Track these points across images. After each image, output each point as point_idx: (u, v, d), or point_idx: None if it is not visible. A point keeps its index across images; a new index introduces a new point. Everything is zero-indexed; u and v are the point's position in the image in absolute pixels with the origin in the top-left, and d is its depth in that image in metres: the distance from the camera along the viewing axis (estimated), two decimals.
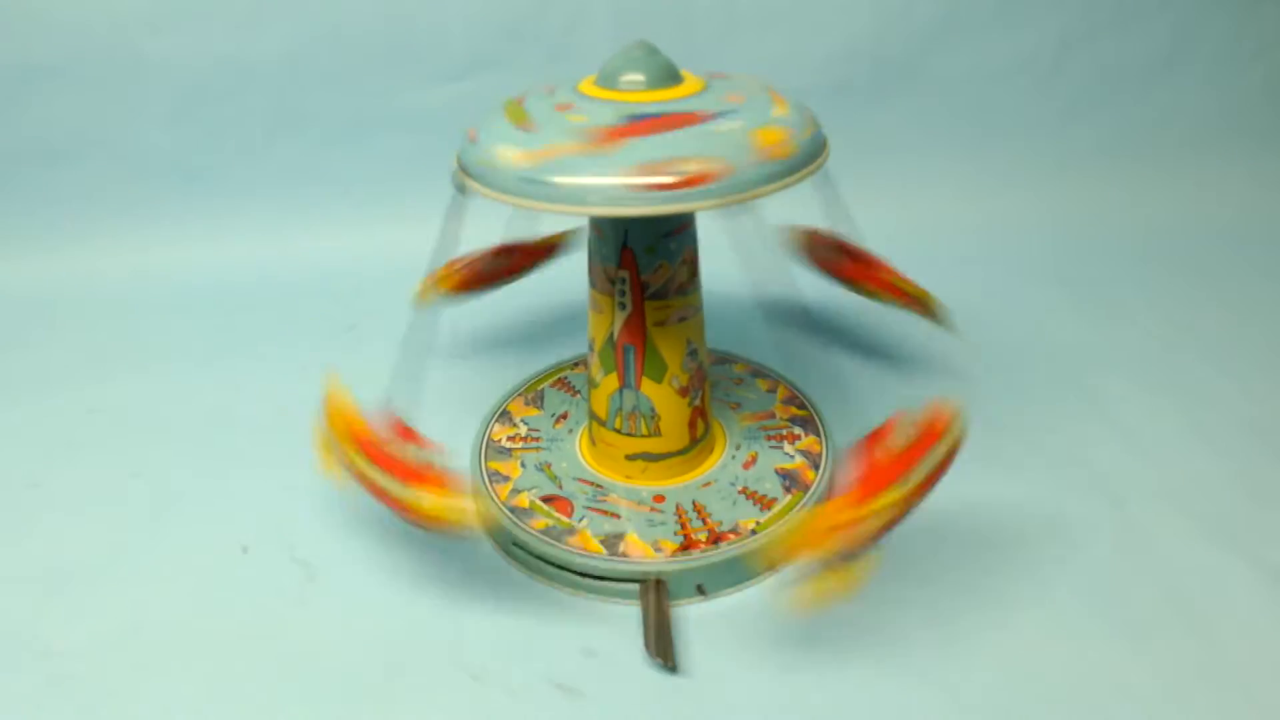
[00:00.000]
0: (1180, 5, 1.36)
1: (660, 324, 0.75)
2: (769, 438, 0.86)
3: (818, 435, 0.86)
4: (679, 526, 0.75)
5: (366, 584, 0.76)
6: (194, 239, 1.33)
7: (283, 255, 1.31)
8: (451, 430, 0.92)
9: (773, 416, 0.89)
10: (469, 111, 0.70)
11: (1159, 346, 1.07)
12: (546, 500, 0.78)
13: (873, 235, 1.30)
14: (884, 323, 1.13)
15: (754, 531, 0.75)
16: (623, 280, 0.74)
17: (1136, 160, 1.41)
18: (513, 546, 0.76)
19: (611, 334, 0.76)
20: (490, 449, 0.86)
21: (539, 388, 0.96)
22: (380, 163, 1.34)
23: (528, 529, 0.75)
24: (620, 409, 0.79)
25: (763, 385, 0.95)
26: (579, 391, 0.95)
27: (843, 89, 1.35)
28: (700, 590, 0.72)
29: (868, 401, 0.98)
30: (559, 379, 0.97)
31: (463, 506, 0.62)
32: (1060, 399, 0.98)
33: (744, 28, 1.31)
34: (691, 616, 0.71)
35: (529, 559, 0.75)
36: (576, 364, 1.00)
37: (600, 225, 0.73)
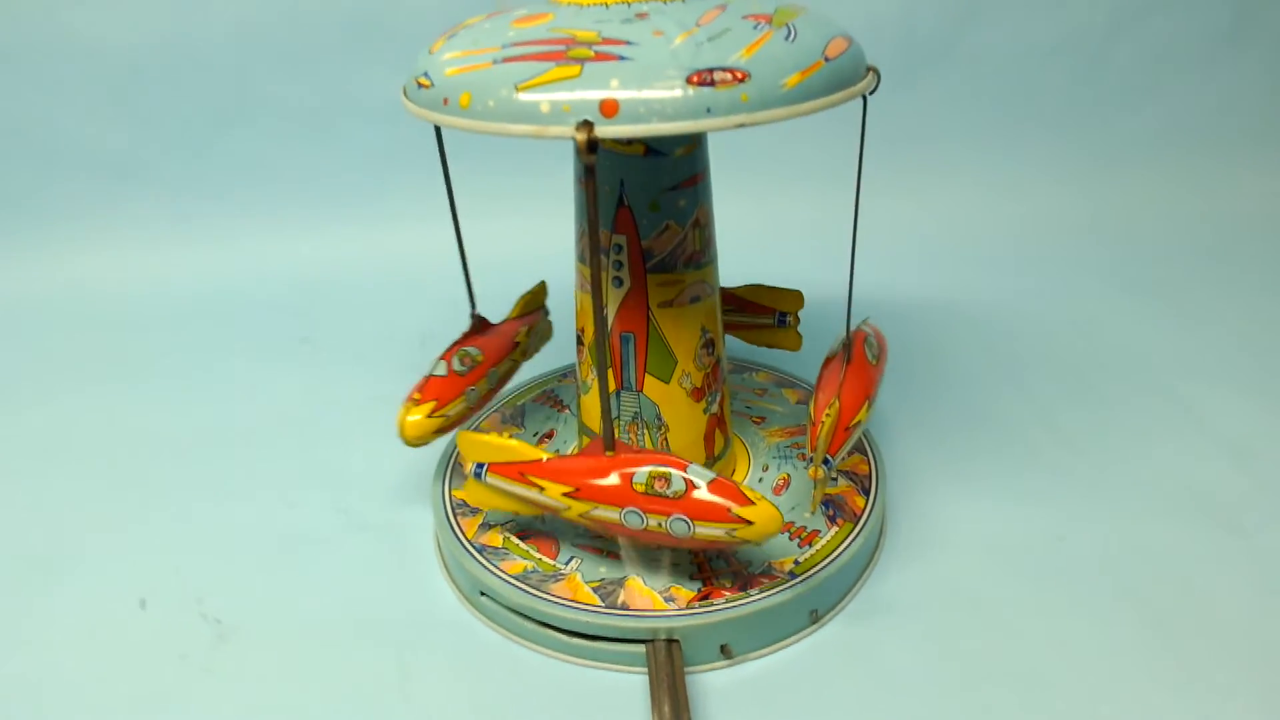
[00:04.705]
0: None
1: (666, 305, 0.61)
2: (803, 456, 0.70)
3: (864, 454, 0.71)
4: (696, 569, 0.61)
5: (291, 647, 0.62)
6: (128, 245, 1.20)
7: (230, 262, 1.19)
8: (413, 453, 0.79)
9: (806, 432, 0.73)
10: None
11: (1250, 349, 0.94)
12: (524, 536, 0.65)
13: (895, 232, 1.20)
14: (933, 328, 1.00)
15: (793, 574, 0.59)
16: (619, 248, 0.59)
17: (1194, 151, 1.29)
18: (480, 596, 0.63)
19: (605, 320, 0.60)
20: (457, 474, 0.72)
21: (519, 403, 0.80)
22: (343, 158, 1.22)
23: (500, 573, 0.62)
24: (618, 418, 0.64)
25: (791, 396, 0.80)
26: (567, 406, 0.79)
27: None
28: (725, 652, 0.59)
29: (919, 414, 0.84)
30: (543, 393, 0.82)
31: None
32: (1147, 412, 0.85)
33: None
34: (714, 686, 0.58)
35: (501, 612, 0.62)
36: (564, 375, 0.84)
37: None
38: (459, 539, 0.64)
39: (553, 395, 0.81)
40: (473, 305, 0.72)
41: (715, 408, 0.65)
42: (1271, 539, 0.67)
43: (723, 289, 0.74)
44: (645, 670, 0.58)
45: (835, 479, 0.68)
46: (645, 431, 0.63)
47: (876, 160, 1.20)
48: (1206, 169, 1.28)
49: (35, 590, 0.68)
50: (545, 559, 0.62)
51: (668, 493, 0.54)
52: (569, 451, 0.72)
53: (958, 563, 0.67)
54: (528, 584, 0.60)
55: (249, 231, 1.21)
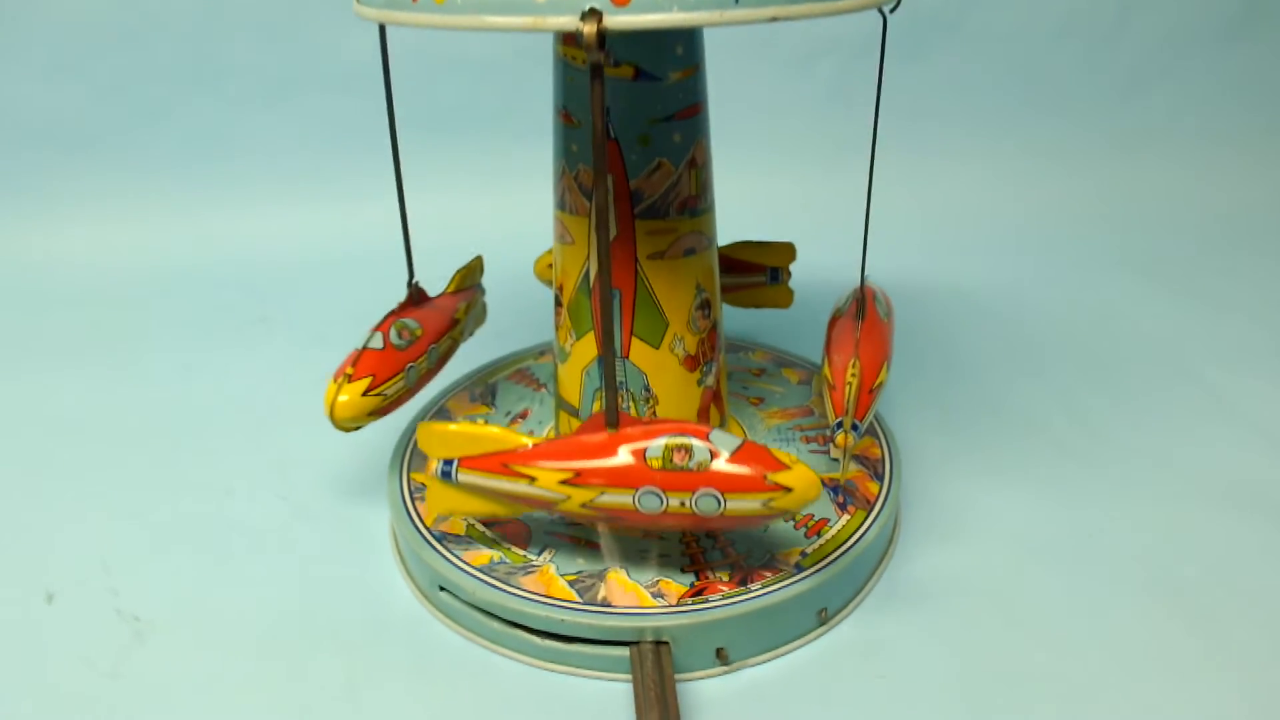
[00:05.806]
0: None
1: (657, 257, 0.54)
2: (807, 439, 0.63)
3: (875, 436, 0.65)
4: (688, 560, 0.54)
5: (220, 649, 0.55)
6: (80, 220, 1.14)
7: (184, 237, 1.13)
8: (372, 433, 0.71)
9: (810, 414, 0.67)
10: (418, 69, 0.47)
11: (1273, 334, 0.90)
12: (491, 523, 0.58)
13: (901, 213, 1.14)
14: (943, 313, 0.95)
15: (799, 567, 0.52)
16: (603, 190, 0.51)
17: (1207, 133, 1.25)
18: (440, 592, 0.56)
19: (588, 273, 0.53)
20: (417, 456, 0.65)
21: (490, 380, 0.73)
22: (310, 129, 1.16)
23: (462, 565, 0.55)
24: (599, 389, 0.57)
25: (792, 377, 0.73)
26: (544, 385, 0.72)
27: (869, 46, 1.17)
28: (721, 656, 0.53)
29: (931, 400, 0.78)
30: (518, 370, 0.76)
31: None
32: (1173, 399, 0.80)
33: None
34: (708, 695, 0.53)
35: (463, 610, 0.56)
36: (542, 353, 0.77)
37: (572, 107, 0.51)
38: (416, 526, 0.57)
39: (527, 373, 0.74)
40: (411, 273, 0.64)
41: (711, 380, 0.58)
42: None
43: None
44: (629, 677, 0.53)
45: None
46: (631, 404, 0.56)
47: (881, 140, 1.16)
48: (1220, 152, 1.25)
49: None
50: (514, 549, 0.55)
51: (690, 465, 0.47)
52: (544, 433, 0.65)
53: (982, 556, 0.61)
54: (494, 577, 0.54)
55: (204, 205, 1.15)
